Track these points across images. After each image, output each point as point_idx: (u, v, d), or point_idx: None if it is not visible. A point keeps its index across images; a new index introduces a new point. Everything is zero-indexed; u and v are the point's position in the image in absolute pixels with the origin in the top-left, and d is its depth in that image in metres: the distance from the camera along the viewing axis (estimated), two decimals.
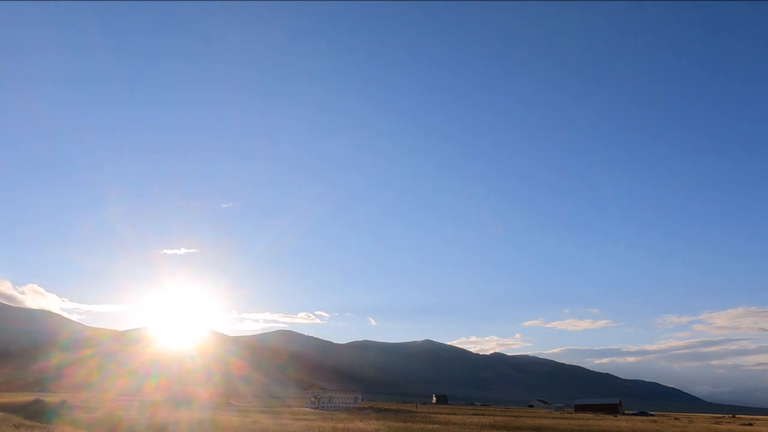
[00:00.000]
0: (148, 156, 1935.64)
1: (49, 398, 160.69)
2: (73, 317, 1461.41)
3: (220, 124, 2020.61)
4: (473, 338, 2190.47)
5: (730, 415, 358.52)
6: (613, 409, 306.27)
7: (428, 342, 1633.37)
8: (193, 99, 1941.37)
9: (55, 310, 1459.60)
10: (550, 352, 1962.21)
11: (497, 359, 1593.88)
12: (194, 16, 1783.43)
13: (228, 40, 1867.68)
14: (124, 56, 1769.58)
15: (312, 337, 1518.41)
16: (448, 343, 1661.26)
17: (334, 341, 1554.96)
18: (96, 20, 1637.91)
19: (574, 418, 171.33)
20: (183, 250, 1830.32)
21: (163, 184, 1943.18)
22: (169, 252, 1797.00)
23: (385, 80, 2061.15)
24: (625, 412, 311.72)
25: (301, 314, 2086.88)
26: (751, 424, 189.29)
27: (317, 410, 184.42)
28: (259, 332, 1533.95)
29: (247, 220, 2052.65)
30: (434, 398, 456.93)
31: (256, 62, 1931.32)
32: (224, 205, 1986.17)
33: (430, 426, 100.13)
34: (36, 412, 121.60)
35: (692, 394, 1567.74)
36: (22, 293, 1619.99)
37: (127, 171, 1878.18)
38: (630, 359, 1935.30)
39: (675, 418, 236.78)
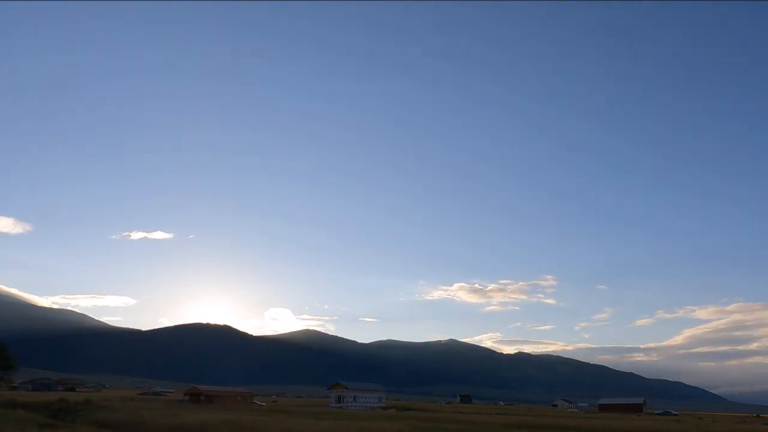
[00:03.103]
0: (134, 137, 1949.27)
1: (73, 397, 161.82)
2: (98, 316, 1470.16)
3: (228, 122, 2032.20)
4: (494, 336, 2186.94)
5: (754, 415, 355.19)
6: (637, 409, 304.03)
7: (452, 341, 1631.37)
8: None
9: (79, 309, 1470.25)
10: (569, 348, 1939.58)
11: (521, 358, 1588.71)
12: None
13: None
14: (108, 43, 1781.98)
15: (336, 336, 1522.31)
16: (472, 342, 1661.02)
17: (359, 341, 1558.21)
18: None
19: (598, 418, 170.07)
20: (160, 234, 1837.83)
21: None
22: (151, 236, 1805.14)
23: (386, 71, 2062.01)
24: (649, 411, 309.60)
25: (325, 314, 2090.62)
26: None
27: (341, 409, 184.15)
28: (284, 332, 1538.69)
29: (258, 213, 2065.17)
30: (458, 397, 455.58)
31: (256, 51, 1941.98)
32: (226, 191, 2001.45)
33: (454, 426, 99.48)
34: (60, 411, 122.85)
35: (717, 393, 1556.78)
36: (43, 295, 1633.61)
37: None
38: (654, 356, 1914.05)
39: (698, 417, 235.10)
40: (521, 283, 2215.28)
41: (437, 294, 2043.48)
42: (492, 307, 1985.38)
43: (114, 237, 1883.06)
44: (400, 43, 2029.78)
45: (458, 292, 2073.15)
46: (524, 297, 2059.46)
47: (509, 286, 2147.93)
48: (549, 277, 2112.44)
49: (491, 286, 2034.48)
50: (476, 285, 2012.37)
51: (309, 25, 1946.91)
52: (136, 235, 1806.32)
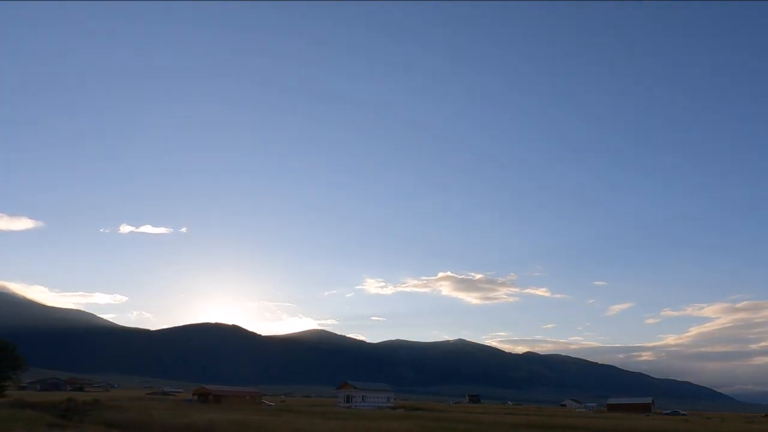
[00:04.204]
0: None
1: (82, 397, 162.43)
2: (104, 315, 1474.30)
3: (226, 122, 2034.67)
4: (501, 335, 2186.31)
5: (763, 415, 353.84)
6: (645, 409, 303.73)
7: (461, 341, 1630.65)
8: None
9: (85, 308, 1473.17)
10: (577, 348, 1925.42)
11: (529, 358, 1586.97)
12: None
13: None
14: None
15: (345, 336, 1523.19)
16: (481, 342, 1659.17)
17: (367, 340, 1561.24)
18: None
19: (606, 418, 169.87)
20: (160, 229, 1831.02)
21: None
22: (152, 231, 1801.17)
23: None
24: (657, 411, 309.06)
25: (332, 314, 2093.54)
26: None
27: (350, 409, 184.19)
28: (292, 332, 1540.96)
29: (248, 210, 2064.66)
30: (467, 397, 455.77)
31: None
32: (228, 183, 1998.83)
33: (463, 426, 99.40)
34: (69, 411, 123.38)
35: (726, 393, 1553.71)
36: (48, 292, 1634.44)
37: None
38: (662, 355, 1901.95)
39: (707, 417, 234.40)
40: (512, 274, 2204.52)
41: (419, 284, 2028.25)
42: (487, 301, 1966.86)
43: (103, 230, 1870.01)
44: (388, 38, 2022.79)
45: (443, 282, 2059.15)
46: (516, 289, 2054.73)
47: (498, 278, 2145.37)
48: (539, 267, 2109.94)
49: (479, 276, 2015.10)
50: (463, 276, 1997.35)
51: (295, 19, 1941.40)
52: (125, 229, 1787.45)
